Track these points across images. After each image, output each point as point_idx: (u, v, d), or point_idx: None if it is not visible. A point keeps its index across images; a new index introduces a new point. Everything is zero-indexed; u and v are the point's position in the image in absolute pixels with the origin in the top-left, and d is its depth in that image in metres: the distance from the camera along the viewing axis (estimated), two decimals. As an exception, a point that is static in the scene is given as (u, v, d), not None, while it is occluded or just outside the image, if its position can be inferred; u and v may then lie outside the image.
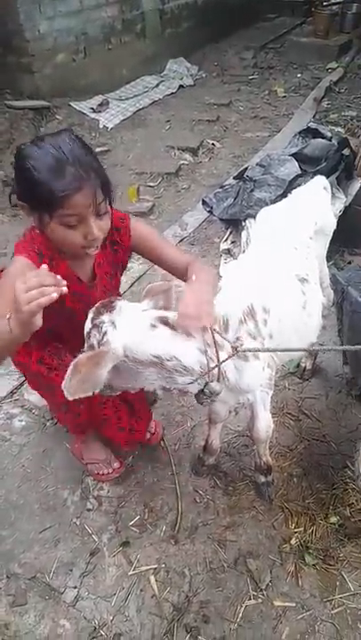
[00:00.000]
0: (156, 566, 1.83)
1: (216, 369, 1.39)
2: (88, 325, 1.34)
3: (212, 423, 2.02)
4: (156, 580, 1.79)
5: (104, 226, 1.35)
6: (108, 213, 1.35)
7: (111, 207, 1.39)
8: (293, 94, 6.26)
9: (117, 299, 1.40)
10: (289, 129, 5.25)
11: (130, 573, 1.82)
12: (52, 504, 2.06)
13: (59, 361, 1.60)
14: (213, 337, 1.37)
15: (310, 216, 1.97)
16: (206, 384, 1.41)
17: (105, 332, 1.30)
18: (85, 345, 1.37)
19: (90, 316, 1.35)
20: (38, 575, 1.83)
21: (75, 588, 1.79)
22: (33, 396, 2.55)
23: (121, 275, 1.75)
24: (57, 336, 1.64)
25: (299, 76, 6.73)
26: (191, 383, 1.41)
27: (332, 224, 2.06)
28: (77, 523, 1.99)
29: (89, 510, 2.02)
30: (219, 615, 1.70)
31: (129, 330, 1.34)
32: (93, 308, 1.36)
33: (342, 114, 5.55)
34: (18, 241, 1.43)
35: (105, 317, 1.33)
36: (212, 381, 1.41)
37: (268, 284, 1.67)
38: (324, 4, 7.97)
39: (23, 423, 2.43)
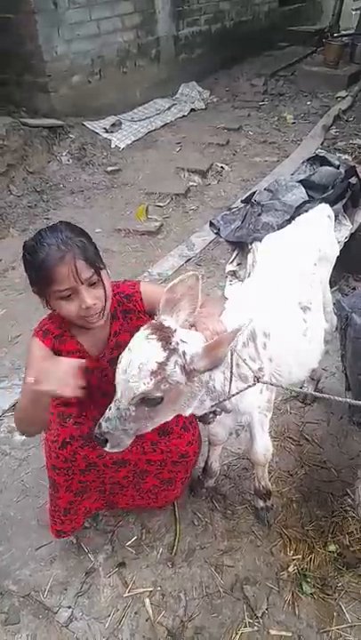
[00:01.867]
0: (151, 589, 1.81)
1: (228, 389, 1.41)
2: (161, 353, 1.20)
3: (212, 445, 2.02)
4: (152, 603, 1.77)
5: (98, 294, 1.41)
6: (100, 283, 1.41)
7: (101, 278, 1.42)
8: (302, 121, 6.38)
9: (164, 319, 1.31)
10: (297, 155, 5.35)
11: (125, 595, 1.80)
12: (49, 521, 2.05)
13: (57, 426, 1.62)
14: (232, 363, 1.39)
15: (314, 243, 2.00)
16: (219, 403, 1.42)
17: (184, 353, 1.23)
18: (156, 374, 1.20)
19: (155, 343, 1.21)
20: (32, 593, 1.82)
21: (69, 607, 1.77)
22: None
23: None
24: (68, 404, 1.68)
25: (308, 103, 6.87)
26: (215, 405, 1.42)
27: (335, 251, 2.09)
28: (74, 541, 1.97)
29: (86, 528, 2.01)
30: (213, 642, 1.67)
31: (193, 343, 1.28)
32: (150, 333, 1.23)
33: (350, 142, 5.64)
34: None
35: (175, 339, 1.24)
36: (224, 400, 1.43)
37: (269, 310, 1.69)
38: (335, 35, 8.18)
39: (23, 438, 2.43)
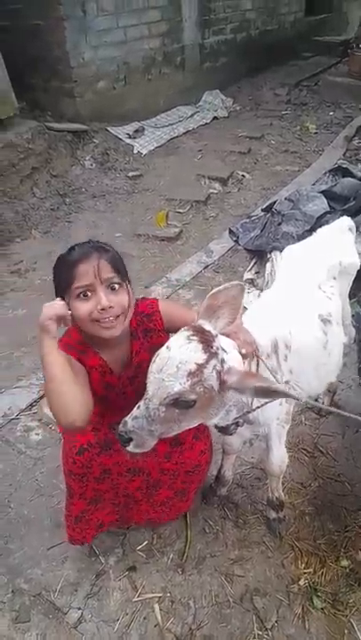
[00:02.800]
0: (161, 595, 1.82)
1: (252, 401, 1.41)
2: (201, 355, 1.18)
3: (226, 454, 2.02)
4: (161, 610, 1.77)
5: (118, 300, 1.39)
6: (123, 290, 1.42)
7: (125, 287, 1.44)
8: (325, 131, 6.36)
9: (203, 323, 1.30)
10: (318, 165, 5.34)
11: (134, 599, 1.81)
12: (62, 521, 2.04)
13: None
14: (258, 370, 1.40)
15: (335, 256, 2.00)
16: (244, 414, 1.43)
17: (223, 360, 1.22)
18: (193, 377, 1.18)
19: (196, 344, 1.19)
20: (43, 592, 1.83)
21: (79, 609, 1.79)
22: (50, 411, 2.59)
23: None
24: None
25: (331, 114, 6.86)
26: (239, 417, 1.42)
27: (356, 264, 2.08)
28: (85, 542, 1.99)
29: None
30: (222, 652, 1.67)
31: (232, 356, 1.29)
32: (192, 334, 1.22)
33: (373, 153, 5.61)
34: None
35: (216, 344, 1.23)
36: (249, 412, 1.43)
37: (290, 321, 1.69)
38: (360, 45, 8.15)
39: (39, 437, 2.47)
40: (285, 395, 1.24)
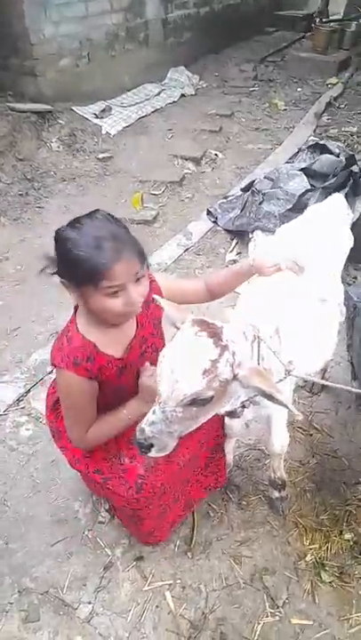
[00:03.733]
0: (171, 582, 1.81)
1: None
2: (214, 350, 1.16)
3: (227, 438, 2.02)
4: (172, 596, 1.77)
5: (143, 290, 1.35)
6: (145, 277, 1.36)
7: (146, 271, 1.38)
8: (294, 108, 6.33)
9: (205, 318, 1.26)
10: (290, 142, 5.32)
11: (145, 589, 1.80)
12: (62, 516, 2.03)
13: (116, 470, 1.62)
14: (259, 355, 1.37)
15: (330, 235, 1.99)
16: (253, 397, 1.40)
17: (234, 353, 1.20)
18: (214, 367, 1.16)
19: (205, 340, 1.17)
20: (51, 590, 1.80)
21: (89, 603, 1.77)
22: (41, 405, 2.52)
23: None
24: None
25: (299, 90, 6.82)
26: (246, 400, 1.40)
27: (349, 242, 2.08)
28: (90, 536, 1.96)
29: (101, 523, 2.00)
30: (236, 633, 1.68)
31: (241, 347, 1.27)
32: (199, 330, 1.19)
33: (343, 129, 5.63)
34: (54, 348, 1.46)
35: (225, 336, 1.21)
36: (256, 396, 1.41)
37: (290, 302, 1.68)
38: (324, 20, 8.11)
39: (30, 432, 2.40)
40: (284, 405, 1.19)
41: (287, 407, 1.18)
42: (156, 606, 1.76)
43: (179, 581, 1.82)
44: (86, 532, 1.97)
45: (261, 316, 1.54)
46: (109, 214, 1.37)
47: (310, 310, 1.76)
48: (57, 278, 1.35)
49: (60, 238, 1.31)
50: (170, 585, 1.81)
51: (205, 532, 1.96)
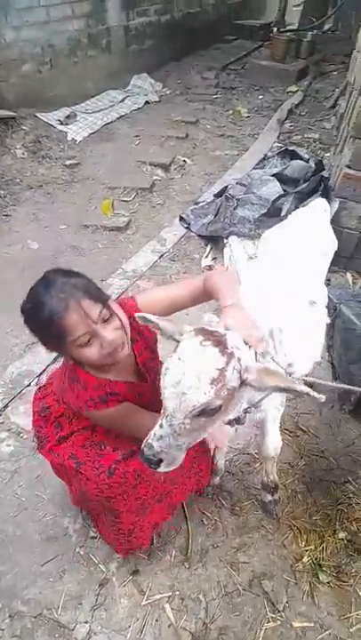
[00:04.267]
0: (169, 594, 1.78)
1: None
2: (220, 359, 1.13)
3: (218, 443, 2.00)
4: (172, 609, 1.74)
5: (115, 326, 1.35)
6: (113, 315, 1.35)
7: (112, 310, 1.37)
8: (256, 115, 6.45)
9: (207, 327, 1.24)
10: (255, 148, 5.41)
11: (143, 603, 1.75)
12: (52, 534, 1.96)
13: (93, 455, 1.58)
14: (256, 359, 1.36)
15: (315, 239, 2.02)
16: (257, 402, 1.40)
17: (240, 359, 1.17)
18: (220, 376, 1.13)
19: (211, 349, 1.13)
20: (45, 612, 1.73)
21: (86, 622, 1.70)
22: (20, 419, 2.43)
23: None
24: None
25: (260, 97, 6.95)
26: (249, 406, 1.39)
27: (333, 246, 2.12)
28: (82, 552, 1.90)
29: (93, 538, 1.94)
30: (239, 641, 1.67)
31: (245, 352, 1.23)
32: (203, 339, 1.15)
33: (305, 135, 5.77)
34: (68, 398, 1.48)
35: (230, 343, 1.18)
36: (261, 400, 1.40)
37: (282, 305, 1.69)
38: (281, 30, 8.32)
39: (12, 448, 2.31)
40: (304, 393, 1.16)
41: (310, 394, 1.16)
42: (156, 620, 1.72)
43: (177, 593, 1.79)
44: (78, 549, 1.91)
45: (255, 319, 1.54)
46: (60, 268, 1.37)
47: (302, 313, 1.78)
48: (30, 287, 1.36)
49: (23, 314, 1.34)
50: (168, 597, 1.77)
51: (201, 540, 1.94)
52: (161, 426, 1.15)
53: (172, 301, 1.58)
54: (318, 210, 2.15)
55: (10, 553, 1.89)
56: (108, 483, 1.51)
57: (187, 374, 1.10)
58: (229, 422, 1.47)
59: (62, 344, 1.30)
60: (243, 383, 1.18)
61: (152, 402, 1.56)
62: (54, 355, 2.76)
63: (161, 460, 1.18)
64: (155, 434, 1.16)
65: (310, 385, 2.46)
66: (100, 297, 1.33)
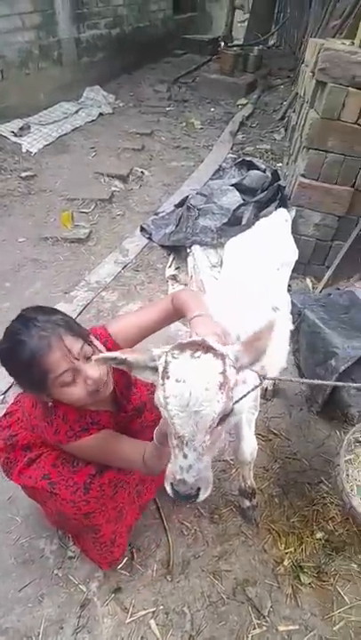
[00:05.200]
0: (154, 609, 1.75)
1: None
2: (218, 363, 1.10)
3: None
4: (157, 624, 1.71)
5: (98, 364, 1.32)
6: (95, 351, 1.33)
7: (94, 346, 1.37)
8: (209, 127, 6.58)
9: (185, 340, 1.20)
10: (210, 159, 5.51)
11: (127, 621, 1.71)
12: (27, 556, 1.89)
13: (66, 472, 1.54)
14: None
15: (277, 248, 2.07)
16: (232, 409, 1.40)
17: (228, 355, 1.14)
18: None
19: (205, 356, 1.10)
20: (25, 640, 1.65)
21: (69, 647, 1.64)
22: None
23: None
24: None
25: (212, 110, 7.11)
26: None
27: (295, 255, 2.18)
28: (60, 574, 1.84)
29: (71, 558, 1.88)
30: (227, 650, 1.66)
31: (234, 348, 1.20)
32: (193, 352, 1.11)
33: (257, 146, 5.93)
34: (46, 433, 1.45)
35: (214, 345, 1.15)
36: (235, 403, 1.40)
37: (247, 313, 1.71)
38: (229, 45, 8.57)
39: (-22, 471, 2.21)
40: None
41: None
42: (142, 637, 1.68)
43: (161, 607, 1.76)
44: (56, 571, 1.84)
45: (223, 324, 1.56)
46: (38, 307, 1.35)
47: (267, 319, 1.81)
48: None
49: (4, 357, 1.30)
50: (153, 612, 1.74)
51: (182, 551, 1.92)
52: (185, 456, 1.08)
53: (143, 326, 1.57)
54: (280, 219, 2.22)
55: (-17, 581, 1.81)
56: (86, 499, 1.48)
57: (194, 392, 1.06)
58: None
59: (44, 384, 1.27)
60: (238, 373, 1.17)
61: (128, 430, 1.58)
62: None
63: (199, 489, 1.11)
64: (181, 467, 1.08)
65: (271, 391, 2.51)
66: (81, 333, 1.31)
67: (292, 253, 2.14)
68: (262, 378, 1.42)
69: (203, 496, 1.12)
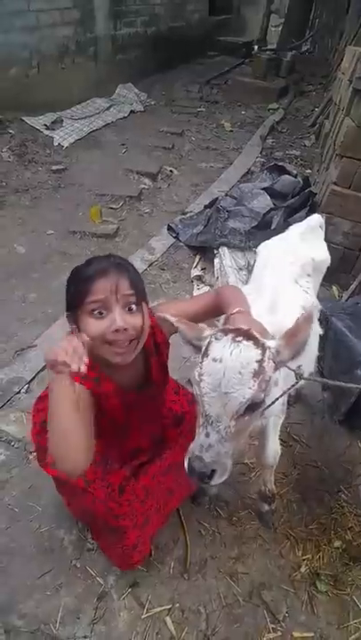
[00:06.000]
0: (170, 606, 1.76)
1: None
2: (257, 352, 1.11)
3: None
4: (173, 621, 1.72)
5: (134, 322, 1.27)
6: (138, 313, 1.30)
7: (141, 309, 1.33)
8: (239, 129, 6.58)
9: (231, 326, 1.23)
10: (240, 162, 5.51)
11: (143, 616, 1.73)
12: (47, 545, 1.91)
13: (102, 472, 1.54)
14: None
15: (310, 253, 2.07)
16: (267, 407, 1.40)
17: (269, 347, 1.15)
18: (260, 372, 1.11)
19: (246, 343, 1.12)
20: (42, 627, 1.68)
21: (85, 637, 1.67)
22: (11, 427, 2.38)
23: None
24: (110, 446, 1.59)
25: (243, 113, 7.10)
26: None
27: (327, 261, 2.17)
28: (78, 565, 1.86)
29: (89, 551, 1.90)
30: (241, 652, 1.66)
31: (276, 341, 1.21)
32: (235, 335, 1.14)
33: (286, 152, 5.91)
34: None
35: (257, 335, 1.16)
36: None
37: (282, 316, 1.71)
38: (262, 48, 8.55)
39: (3, 457, 2.25)
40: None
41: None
42: (157, 633, 1.69)
43: (177, 605, 1.77)
44: (74, 561, 1.86)
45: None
46: (121, 259, 1.36)
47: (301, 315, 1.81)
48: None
49: (71, 274, 1.33)
50: (169, 610, 1.75)
51: (199, 551, 1.93)
52: (207, 435, 1.09)
53: (185, 315, 1.58)
54: (314, 224, 2.21)
55: (4, 566, 1.83)
56: (119, 501, 1.50)
57: (227, 373, 1.08)
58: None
59: (79, 301, 1.25)
60: (276, 369, 1.18)
61: (137, 424, 1.54)
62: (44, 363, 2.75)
63: (214, 472, 1.11)
64: (201, 445, 1.09)
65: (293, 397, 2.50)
66: (139, 289, 1.29)
67: (325, 259, 2.13)
68: (300, 377, 1.42)
69: (216, 480, 1.12)
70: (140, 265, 3.65)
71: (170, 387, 1.73)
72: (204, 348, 1.17)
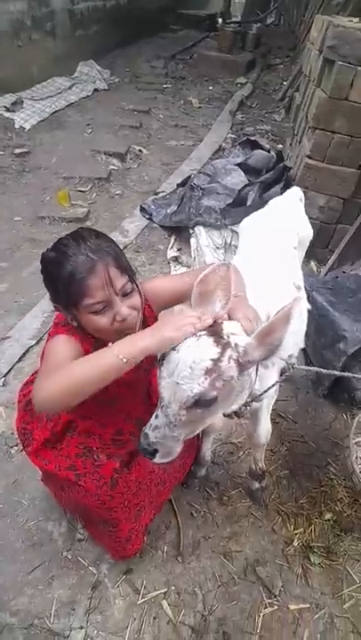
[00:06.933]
0: (165, 590, 1.74)
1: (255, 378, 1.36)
2: (214, 349, 1.08)
3: (206, 435, 1.98)
4: (169, 604, 1.71)
5: (134, 303, 1.28)
6: (135, 291, 1.29)
7: (137, 286, 1.32)
8: (208, 105, 6.46)
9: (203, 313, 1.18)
10: (210, 139, 5.41)
11: (139, 602, 1.71)
12: (36, 539, 1.86)
13: (91, 466, 1.50)
14: None
15: (293, 227, 2.03)
16: (262, 394, 1.37)
17: (237, 345, 1.12)
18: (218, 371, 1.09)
19: (205, 339, 1.10)
20: (36, 622, 1.64)
21: (81, 628, 1.64)
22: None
23: None
24: (97, 424, 1.56)
25: (210, 88, 6.97)
26: (250, 397, 1.36)
27: (310, 234, 2.14)
28: (69, 556, 1.82)
29: (80, 541, 1.86)
30: (239, 629, 1.66)
31: (242, 338, 1.17)
32: (196, 335, 1.11)
33: (257, 127, 5.84)
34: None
35: (225, 331, 1.14)
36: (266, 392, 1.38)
37: (274, 292, 1.68)
38: (227, 21, 8.37)
39: (-17, 452, 2.18)
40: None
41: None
42: (154, 618, 1.68)
43: (173, 588, 1.75)
44: (65, 553, 1.82)
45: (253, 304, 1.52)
46: (93, 229, 1.31)
47: (291, 297, 1.78)
48: None
49: (42, 262, 1.28)
50: (165, 593, 1.74)
51: (192, 533, 1.92)
52: (156, 416, 1.14)
53: (177, 290, 1.52)
54: (294, 198, 2.17)
55: (-8, 563, 1.79)
56: (111, 494, 1.46)
57: (180, 366, 1.07)
58: (229, 415, 1.45)
59: (75, 305, 1.22)
60: (244, 367, 1.14)
61: (131, 397, 1.52)
62: (23, 351, 2.66)
63: (156, 451, 1.16)
64: (150, 424, 1.15)
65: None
66: (127, 269, 1.26)
67: (307, 232, 2.10)
68: (291, 367, 1.40)
69: (157, 459, 1.19)
70: (114, 248, 3.56)
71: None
72: None
